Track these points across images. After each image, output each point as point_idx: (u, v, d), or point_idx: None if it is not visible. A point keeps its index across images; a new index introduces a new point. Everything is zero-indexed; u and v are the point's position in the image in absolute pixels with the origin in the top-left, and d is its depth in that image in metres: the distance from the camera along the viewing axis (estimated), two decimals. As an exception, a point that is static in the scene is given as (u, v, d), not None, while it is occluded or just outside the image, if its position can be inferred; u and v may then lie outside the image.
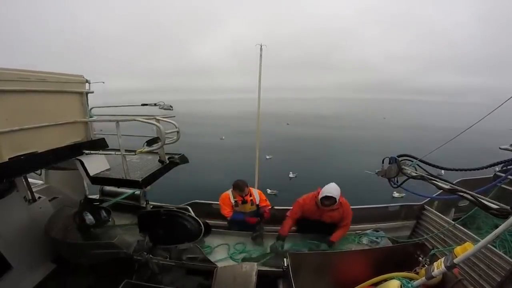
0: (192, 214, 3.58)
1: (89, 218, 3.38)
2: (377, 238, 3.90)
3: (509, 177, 2.08)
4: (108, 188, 4.69)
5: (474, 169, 2.23)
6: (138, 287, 2.73)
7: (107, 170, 3.31)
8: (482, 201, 1.81)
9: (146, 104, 3.48)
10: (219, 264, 3.26)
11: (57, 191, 4.11)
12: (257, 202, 4.14)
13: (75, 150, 3.06)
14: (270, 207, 4.22)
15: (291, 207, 3.98)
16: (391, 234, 4.18)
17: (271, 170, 17.70)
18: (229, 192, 4.13)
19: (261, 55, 6.12)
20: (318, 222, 3.74)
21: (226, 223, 4.23)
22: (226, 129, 40.23)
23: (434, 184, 2.20)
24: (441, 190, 2.34)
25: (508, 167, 2.99)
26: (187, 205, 4.10)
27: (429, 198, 4.02)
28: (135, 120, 2.97)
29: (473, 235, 3.18)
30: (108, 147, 3.45)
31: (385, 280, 2.47)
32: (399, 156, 2.52)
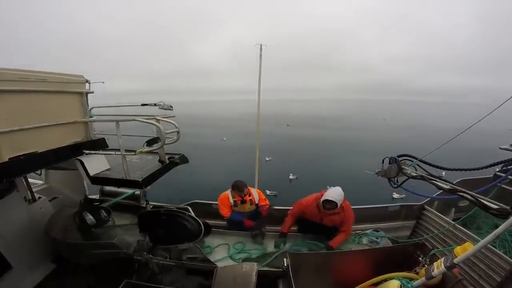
0: (192, 214, 3.58)
1: (89, 218, 3.38)
2: (377, 238, 3.90)
3: (509, 177, 2.08)
4: (108, 188, 4.69)
5: (474, 169, 2.23)
6: (138, 287, 2.73)
7: (107, 170, 3.31)
8: (482, 201, 1.82)
9: (146, 104, 3.48)
10: (219, 264, 3.27)
11: (57, 191, 4.11)
12: (256, 202, 4.14)
13: (75, 150, 3.06)
14: (268, 205, 4.23)
15: (292, 207, 4.01)
16: (391, 234, 4.18)
17: (271, 172, 17.68)
18: (228, 192, 4.13)
19: (261, 55, 6.11)
20: (319, 224, 3.73)
21: (226, 223, 4.24)
22: (227, 131, 40.25)
23: (434, 184, 2.20)
24: (441, 190, 2.34)
25: (508, 167, 2.99)
26: (187, 205, 4.10)
27: (429, 198, 4.02)
28: (135, 120, 2.97)
29: (473, 235, 3.18)
30: (108, 147, 3.45)
31: (385, 280, 2.47)
32: (399, 156, 2.52)
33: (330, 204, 3.46)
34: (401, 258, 2.80)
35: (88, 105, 3.20)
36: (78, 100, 3.09)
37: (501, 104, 2.09)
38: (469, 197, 1.89)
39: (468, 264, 2.85)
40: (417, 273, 2.44)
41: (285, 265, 2.79)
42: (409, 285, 2.29)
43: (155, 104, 3.43)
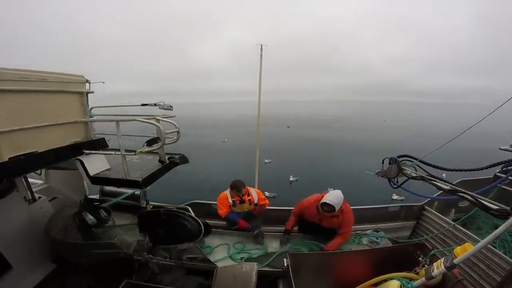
0: (192, 214, 3.58)
1: (90, 218, 3.38)
2: (377, 238, 3.90)
3: (509, 178, 2.08)
4: (108, 188, 4.69)
5: (474, 170, 2.23)
6: (138, 287, 2.73)
7: (107, 170, 3.31)
8: (482, 201, 1.81)
9: (146, 104, 3.48)
10: (219, 264, 3.27)
11: (57, 191, 4.11)
12: (256, 201, 4.15)
13: (75, 150, 3.06)
14: (266, 205, 4.27)
15: (294, 207, 4.04)
16: (391, 234, 4.18)
17: (272, 174, 17.65)
18: (227, 192, 4.13)
19: (261, 55, 6.10)
20: (318, 225, 3.74)
21: (225, 223, 4.24)
22: (228, 132, 40.25)
23: (434, 185, 2.20)
24: (441, 191, 2.34)
25: (508, 167, 2.99)
26: (187, 205, 4.10)
27: (429, 199, 4.03)
28: (135, 120, 2.97)
29: (473, 235, 3.18)
30: (108, 147, 3.45)
31: (385, 280, 2.47)
32: (399, 157, 2.52)
33: (328, 207, 3.47)
34: (401, 258, 2.80)
35: (88, 105, 3.20)
36: (78, 100, 3.09)
37: (501, 105, 2.09)
38: (469, 197, 1.89)
39: (468, 264, 2.85)
40: (417, 273, 2.44)
41: (285, 265, 2.79)
42: (409, 285, 2.29)
43: (155, 104, 3.43)
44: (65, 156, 2.98)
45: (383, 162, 2.61)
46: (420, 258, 2.73)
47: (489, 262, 2.72)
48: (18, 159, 2.42)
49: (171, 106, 3.48)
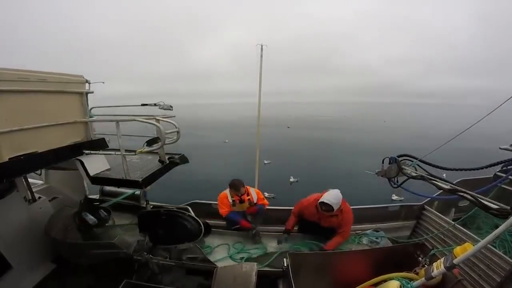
0: (192, 214, 3.58)
1: (90, 218, 3.37)
2: (377, 238, 3.90)
3: (510, 177, 2.08)
4: (108, 188, 4.69)
5: (474, 169, 2.23)
6: (138, 287, 2.73)
7: (107, 170, 3.31)
8: (482, 201, 1.81)
9: (146, 104, 3.48)
10: (219, 264, 3.27)
11: (57, 191, 4.11)
12: (255, 201, 4.15)
13: (75, 150, 3.06)
14: (266, 205, 4.28)
15: (293, 206, 4.04)
16: (391, 234, 4.18)
17: (272, 174, 17.62)
18: (227, 191, 4.14)
19: (261, 55, 6.10)
20: (317, 224, 3.74)
21: (225, 223, 4.24)
22: (228, 133, 40.25)
23: (434, 184, 2.20)
24: (441, 190, 2.33)
25: (508, 167, 2.99)
26: (187, 205, 4.10)
27: (429, 198, 4.02)
28: (135, 120, 2.97)
29: (473, 235, 3.18)
30: (108, 147, 3.45)
31: (385, 280, 2.47)
32: (399, 156, 2.52)
33: (326, 206, 3.47)
34: (401, 258, 2.80)
35: (88, 105, 3.20)
36: (78, 100, 3.09)
37: (501, 105, 2.09)
38: (469, 197, 1.89)
39: (468, 264, 2.85)
40: (417, 274, 2.44)
41: (285, 265, 2.79)
42: (409, 285, 2.29)
43: (155, 104, 3.43)
44: (65, 156, 2.98)
45: (383, 162, 2.61)
46: (420, 258, 2.72)
47: (489, 262, 2.72)
48: (18, 159, 2.42)
49: (171, 106, 3.48)
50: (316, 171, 20.34)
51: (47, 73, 2.71)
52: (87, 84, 3.16)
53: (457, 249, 1.99)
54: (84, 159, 3.09)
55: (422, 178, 2.29)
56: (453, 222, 3.51)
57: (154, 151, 3.28)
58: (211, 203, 4.72)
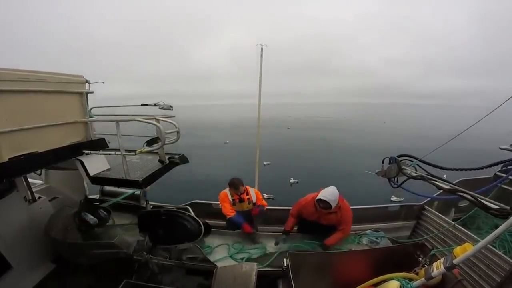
0: (192, 214, 3.58)
1: (91, 218, 3.37)
2: (377, 238, 3.90)
3: (510, 177, 2.08)
4: (108, 188, 4.69)
5: (474, 169, 2.23)
6: (138, 287, 2.73)
7: (107, 170, 3.31)
8: (482, 201, 1.81)
9: (146, 104, 3.48)
10: (219, 264, 3.26)
11: (57, 191, 4.11)
12: (254, 201, 4.16)
13: (75, 150, 3.06)
14: (265, 206, 4.27)
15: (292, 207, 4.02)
16: (391, 234, 4.18)
17: (272, 175, 17.60)
18: (227, 190, 4.14)
19: (261, 55, 6.09)
20: (316, 223, 3.74)
21: (226, 223, 4.24)
22: (229, 134, 40.25)
23: (434, 184, 2.20)
24: (441, 190, 2.33)
25: (508, 167, 2.99)
26: (187, 205, 4.10)
27: (429, 198, 4.03)
28: (135, 120, 2.97)
29: (473, 235, 3.18)
30: (108, 147, 3.45)
31: (385, 280, 2.47)
32: (399, 156, 2.52)
33: (324, 203, 3.48)
34: (401, 259, 2.80)
35: (88, 105, 3.20)
36: (78, 100, 3.09)
37: (500, 105, 2.09)
38: (469, 197, 1.89)
39: (468, 264, 2.85)
40: (417, 274, 2.44)
41: (285, 265, 2.79)
42: (409, 285, 2.29)
43: (155, 104, 3.44)
44: (65, 156, 2.98)
45: (383, 162, 2.61)
46: (420, 258, 2.73)
47: (489, 262, 2.72)
48: (18, 159, 2.43)
49: (171, 106, 3.48)
50: (316, 172, 20.30)
51: (47, 73, 2.71)
52: (87, 84, 3.17)
53: (457, 249, 1.99)
54: (84, 159, 3.10)
55: (422, 178, 2.29)
56: (453, 222, 3.51)
57: (154, 151, 3.28)
58: (211, 203, 4.72)
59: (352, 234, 3.99)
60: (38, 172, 3.78)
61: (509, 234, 3.23)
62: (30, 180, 3.57)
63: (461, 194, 1.95)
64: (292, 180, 18.14)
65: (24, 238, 3.22)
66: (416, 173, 2.39)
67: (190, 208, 3.81)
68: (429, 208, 4.04)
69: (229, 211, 4.03)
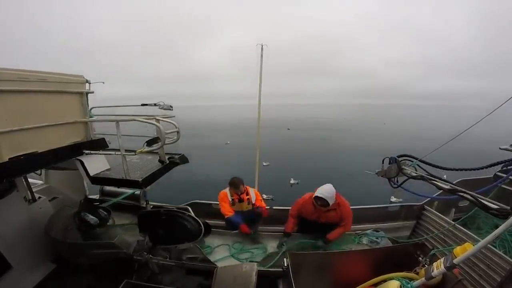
0: (192, 214, 3.58)
1: (91, 218, 3.37)
2: (377, 238, 3.90)
3: (510, 177, 2.07)
4: (108, 188, 4.69)
5: (474, 169, 2.23)
6: (138, 287, 2.73)
7: (107, 170, 3.31)
8: (482, 201, 1.81)
9: (146, 104, 3.48)
10: (220, 264, 3.27)
11: (57, 191, 4.11)
12: (253, 202, 4.16)
13: (75, 150, 3.06)
14: (266, 207, 4.27)
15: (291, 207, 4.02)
16: (391, 234, 4.18)
17: (272, 176, 17.57)
18: (227, 190, 4.14)
19: (261, 55, 6.07)
20: (317, 222, 3.75)
21: (225, 223, 4.24)
22: (229, 134, 40.24)
23: (434, 184, 2.20)
24: (441, 190, 2.33)
25: (508, 167, 2.98)
26: (187, 205, 4.10)
27: (429, 198, 4.03)
28: (135, 120, 2.97)
29: (473, 235, 3.18)
30: (108, 147, 3.45)
31: (385, 280, 2.47)
32: (399, 156, 2.52)
33: (321, 201, 3.50)
34: (401, 258, 2.80)
35: (88, 105, 3.20)
36: (78, 100, 3.09)
37: (500, 105, 2.09)
38: (469, 197, 1.88)
39: (468, 264, 2.85)
40: (417, 273, 2.44)
41: (285, 265, 2.78)
42: (409, 285, 2.29)
43: (155, 104, 3.44)
44: (65, 156, 2.98)
45: (383, 162, 2.61)
46: (420, 258, 2.72)
47: (489, 262, 2.72)
48: (18, 159, 2.42)
49: (171, 106, 3.48)
50: (316, 173, 20.26)
51: (47, 73, 2.71)
52: (87, 84, 3.17)
53: (457, 249, 1.99)
54: (84, 159, 3.09)
55: (422, 178, 2.29)
56: (453, 222, 3.51)
57: (154, 151, 3.28)
58: (211, 203, 4.72)
59: (352, 234, 3.99)
60: (38, 172, 3.78)
61: (509, 234, 3.24)
62: (30, 180, 3.57)
63: (461, 194, 1.95)
64: (292, 181, 18.11)
65: (24, 238, 3.21)
66: (416, 173, 2.39)
67: (190, 208, 3.81)
68: (429, 208, 4.04)
69: (227, 211, 4.03)
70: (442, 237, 3.53)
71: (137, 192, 4.47)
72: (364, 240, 3.90)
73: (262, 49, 6.05)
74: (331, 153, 28.90)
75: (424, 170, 2.41)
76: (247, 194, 4.14)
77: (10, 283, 2.97)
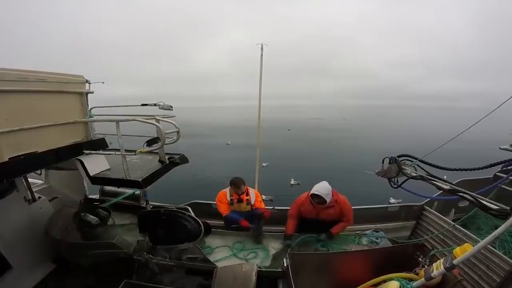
0: (192, 214, 3.58)
1: (92, 218, 3.37)
2: (377, 238, 3.90)
3: (510, 177, 2.07)
4: (108, 188, 4.70)
5: (474, 169, 2.23)
6: (138, 287, 2.72)
7: (107, 170, 3.31)
8: (482, 201, 1.81)
9: (146, 104, 3.49)
10: (220, 264, 3.27)
11: (57, 191, 4.12)
12: (253, 202, 4.15)
13: (75, 150, 3.06)
14: (266, 208, 4.27)
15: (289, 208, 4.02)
16: (391, 234, 4.18)
17: (272, 177, 17.56)
18: (227, 189, 4.15)
19: (262, 55, 6.07)
20: (317, 220, 3.75)
21: (224, 222, 4.23)
22: (230, 135, 40.24)
23: (434, 185, 2.19)
24: (441, 191, 2.33)
25: (508, 167, 2.98)
26: (187, 205, 4.11)
27: (429, 199, 4.03)
28: (135, 120, 2.97)
29: (473, 235, 3.18)
30: (108, 147, 3.46)
31: (385, 280, 2.47)
32: (399, 156, 2.52)
33: (318, 198, 3.52)
34: (401, 259, 2.80)
35: (88, 105, 3.20)
36: (78, 100, 3.09)
37: (500, 105, 2.09)
38: (469, 197, 1.88)
39: (468, 264, 2.85)
40: (417, 274, 2.43)
41: (285, 265, 2.78)
42: (409, 286, 2.28)
43: (155, 104, 3.44)
44: (65, 156, 2.98)
45: (383, 162, 2.61)
46: (420, 259, 2.72)
47: (488, 262, 2.72)
48: (18, 159, 2.43)
49: (171, 106, 3.49)
50: (317, 173, 20.18)
51: (47, 73, 2.71)
52: (87, 84, 3.17)
53: (457, 250, 1.99)
54: (84, 159, 3.10)
55: (422, 178, 2.29)
56: (453, 223, 3.51)
57: (154, 151, 3.29)
58: (211, 203, 4.72)
59: (352, 234, 3.99)
60: (38, 172, 3.78)
61: (509, 235, 3.24)
62: (30, 180, 3.57)
63: (461, 194, 1.95)
64: (292, 181, 18.11)
65: (24, 238, 3.21)
66: (416, 173, 2.39)
67: (190, 208, 3.81)
68: (429, 209, 4.04)
69: (224, 210, 4.04)
70: (442, 237, 3.53)
71: (137, 192, 4.48)
72: (364, 241, 3.90)
73: (262, 48, 6.05)
74: (331, 153, 28.90)
75: (424, 170, 2.41)
76: (247, 194, 4.14)
77: (10, 283, 2.97)
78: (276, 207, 4.53)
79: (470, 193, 1.90)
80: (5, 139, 2.30)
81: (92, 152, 3.16)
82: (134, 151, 3.01)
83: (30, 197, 3.46)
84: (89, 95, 3.20)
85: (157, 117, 3.21)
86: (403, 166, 2.46)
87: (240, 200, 4.07)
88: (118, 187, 4.50)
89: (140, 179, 3.00)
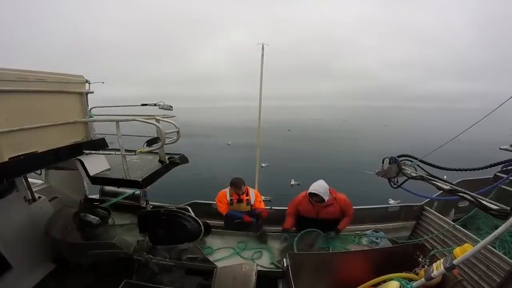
0: (192, 214, 3.58)
1: (92, 217, 3.37)
2: (376, 238, 3.90)
3: (510, 178, 2.07)
4: (108, 188, 4.70)
5: (474, 169, 2.22)
6: (138, 287, 2.72)
7: (107, 170, 3.31)
8: (482, 201, 1.81)
9: (146, 104, 3.49)
10: (220, 264, 3.26)
11: (57, 191, 4.11)
12: (252, 202, 4.16)
13: (75, 150, 3.06)
14: (266, 208, 4.26)
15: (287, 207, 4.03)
16: (391, 234, 4.18)
17: (272, 177, 17.56)
18: (227, 189, 4.15)
19: (263, 55, 6.06)
20: (316, 219, 3.75)
21: (224, 221, 4.23)
22: (230, 135, 40.24)
23: (434, 185, 2.19)
24: (441, 191, 2.33)
25: (509, 167, 2.98)
26: (187, 205, 4.10)
27: (429, 199, 4.03)
28: (135, 120, 2.97)
29: (473, 236, 3.18)
30: (108, 147, 3.46)
31: (385, 281, 2.47)
32: (399, 156, 2.52)
33: (316, 197, 3.53)
34: (401, 259, 2.80)
35: (88, 105, 3.20)
36: (78, 100, 3.09)
37: (500, 105, 2.09)
38: (469, 197, 1.88)
39: (468, 265, 2.85)
40: (417, 274, 2.44)
41: (285, 265, 2.78)
42: (409, 286, 2.28)
43: (155, 104, 3.44)
44: (65, 156, 2.98)
45: (383, 162, 2.61)
46: (420, 259, 2.72)
47: (488, 262, 2.72)
48: (18, 159, 2.42)
49: (171, 106, 3.49)
50: (317, 174, 20.13)
51: (47, 73, 2.71)
52: (87, 84, 3.17)
53: (457, 250, 1.99)
54: (84, 159, 3.10)
55: (422, 178, 2.29)
56: (453, 223, 3.51)
57: (154, 151, 3.29)
58: (211, 203, 4.72)
59: (352, 234, 3.99)
60: (38, 172, 3.78)
61: (509, 235, 3.24)
62: (30, 180, 3.57)
63: (461, 194, 1.95)
64: (293, 182, 18.11)
65: (24, 238, 3.21)
66: (416, 173, 2.39)
67: (190, 208, 3.81)
68: (429, 209, 4.04)
69: (224, 210, 4.05)
70: (442, 237, 3.53)
71: (137, 192, 4.48)
72: (364, 241, 3.90)
73: (263, 48, 6.04)
74: (332, 154, 28.89)
75: (424, 170, 2.41)
76: (247, 194, 4.14)
77: (10, 283, 2.97)
78: (273, 207, 4.54)
79: (470, 193, 1.90)
80: (5, 139, 2.30)
81: (92, 152, 3.16)
82: (134, 151, 3.01)
83: (30, 197, 3.46)
84: (89, 95, 3.20)
85: (157, 117, 3.21)
86: (403, 166, 2.46)
87: (240, 200, 4.08)
88: (118, 187, 4.50)
89: (140, 179, 3.00)
